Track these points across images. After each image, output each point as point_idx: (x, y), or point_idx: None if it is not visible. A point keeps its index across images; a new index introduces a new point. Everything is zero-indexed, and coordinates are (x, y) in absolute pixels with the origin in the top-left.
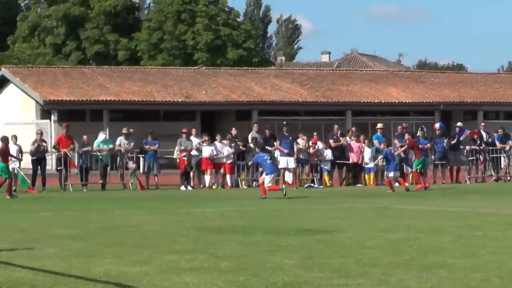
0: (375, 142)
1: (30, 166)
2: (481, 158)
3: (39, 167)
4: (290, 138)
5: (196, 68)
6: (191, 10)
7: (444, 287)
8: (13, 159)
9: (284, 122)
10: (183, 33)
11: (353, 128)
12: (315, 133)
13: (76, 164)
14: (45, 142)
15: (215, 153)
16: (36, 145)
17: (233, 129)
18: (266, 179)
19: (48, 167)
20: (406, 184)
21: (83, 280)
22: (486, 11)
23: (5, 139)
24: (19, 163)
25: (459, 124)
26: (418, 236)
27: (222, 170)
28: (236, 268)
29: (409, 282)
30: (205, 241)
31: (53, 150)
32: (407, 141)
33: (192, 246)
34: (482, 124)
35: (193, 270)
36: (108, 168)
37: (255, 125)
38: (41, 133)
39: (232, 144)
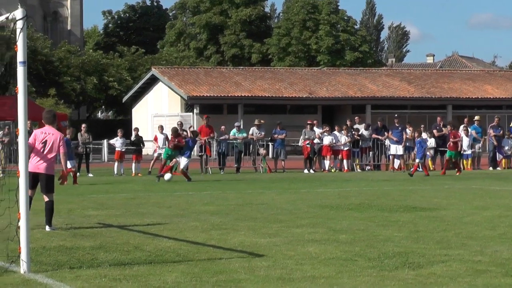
0: (473, 132)
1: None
2: None
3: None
4: (400, 128)
5: (318, 68)
6: (315, 19)
7: None
8: (160, 145)
9: (396, 115)
10: (307, 38)
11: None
12: (422, 126)
13: (211, 151)
14: (185, 131)
15: (334, 141)
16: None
17: (349, 121)
18: (183, 162)
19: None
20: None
21: (220, 250)
22: None
23: (174, 130)
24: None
25: None
26: (510, 213)
27: (340, 156)
28: (352, 240)
29: (502, 253)
30: (325, 217)
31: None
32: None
33: (314, 221)
34: None
35: (315, 242)
36: (242, 154)
37: (356, 118)
38: (181, 124)
39: (349, 134)
